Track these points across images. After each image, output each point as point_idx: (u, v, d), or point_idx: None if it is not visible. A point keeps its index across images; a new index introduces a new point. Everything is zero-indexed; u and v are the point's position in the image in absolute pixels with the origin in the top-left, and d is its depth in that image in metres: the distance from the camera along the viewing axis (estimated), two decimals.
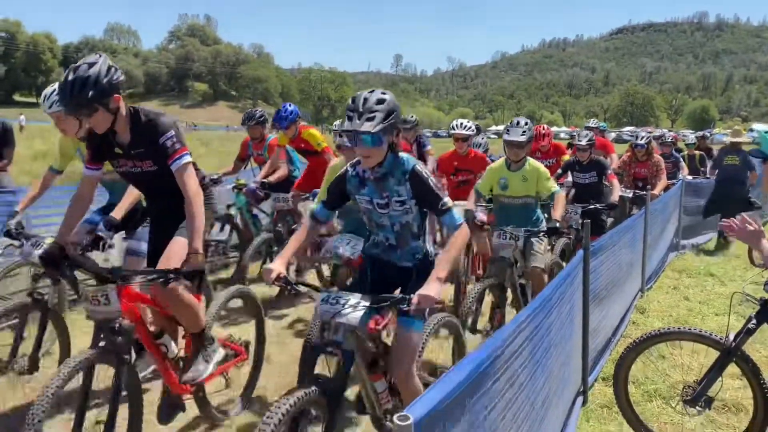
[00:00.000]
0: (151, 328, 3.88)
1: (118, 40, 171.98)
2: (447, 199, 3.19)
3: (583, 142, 7.98)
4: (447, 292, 7.14)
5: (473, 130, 7.16)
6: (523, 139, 5.63)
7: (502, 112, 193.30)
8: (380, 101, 3.11)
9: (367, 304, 2.97)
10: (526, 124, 5.72)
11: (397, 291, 3.39)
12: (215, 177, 7.79)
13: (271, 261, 7.46)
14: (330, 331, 2.99)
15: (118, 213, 4.68)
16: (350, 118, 3.11)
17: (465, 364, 1.94)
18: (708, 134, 16.31)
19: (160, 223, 4.01)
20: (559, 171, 8.18)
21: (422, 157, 9.26)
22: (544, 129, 8.87)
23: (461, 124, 7.15)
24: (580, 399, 4.49)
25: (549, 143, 8.80)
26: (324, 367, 3.23)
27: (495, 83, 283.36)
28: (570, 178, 8.18)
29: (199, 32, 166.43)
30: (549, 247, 5.88)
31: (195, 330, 3.85)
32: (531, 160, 5.84)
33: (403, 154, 3.29)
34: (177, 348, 4.02)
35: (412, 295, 2.89)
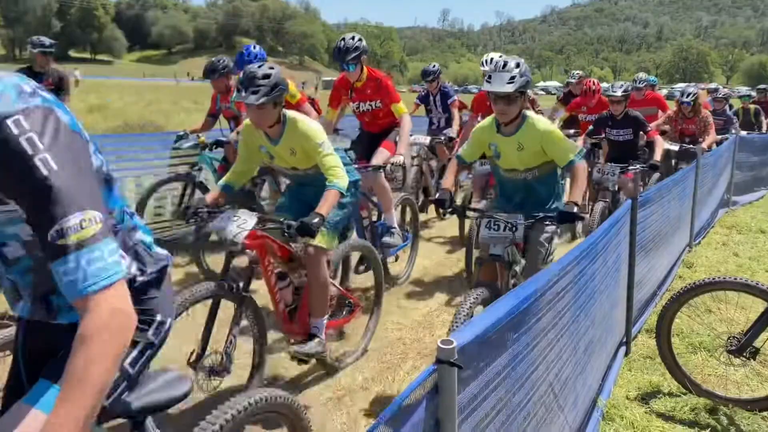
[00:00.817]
0: None
1: None
2: (72, 221, 1.34)
3: (618, 93, 7.01)
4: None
5: None
6: (509, 89, 3.84)
7: (550, 67, 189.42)
8: None
9: None
10: (518, 66, 3.89)
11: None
12: (181, 133, 6.83)
13: None
14: None
15: None
16: None
17: (508, 299, 1.98)
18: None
19: None
20: (590, 128, 7.53)
21: (447, 109, 8.71)
22: (594, 84, 8.47)
23: (491, 59, 6.34)
24: (623, 349, 4.51)
25: (598, 99, 8.40)
26: None
27: (544, 38, 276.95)
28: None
29: None
30: (559, 239, 4.39)
31: None
32: (531, 119, 4.10)
33: None
34: None
35: None
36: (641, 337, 4.91)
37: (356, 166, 5.48)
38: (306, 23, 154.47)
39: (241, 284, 3.55)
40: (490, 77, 3.89)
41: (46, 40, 7.36)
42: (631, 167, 6.98)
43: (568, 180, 4.31)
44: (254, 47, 6.34)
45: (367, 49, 5.63)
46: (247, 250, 3.60)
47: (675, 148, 8.73)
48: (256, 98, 3.58)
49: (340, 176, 3.79)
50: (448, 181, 4.41)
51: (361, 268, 5.62)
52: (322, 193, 3.76)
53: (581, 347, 3.03)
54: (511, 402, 2.00)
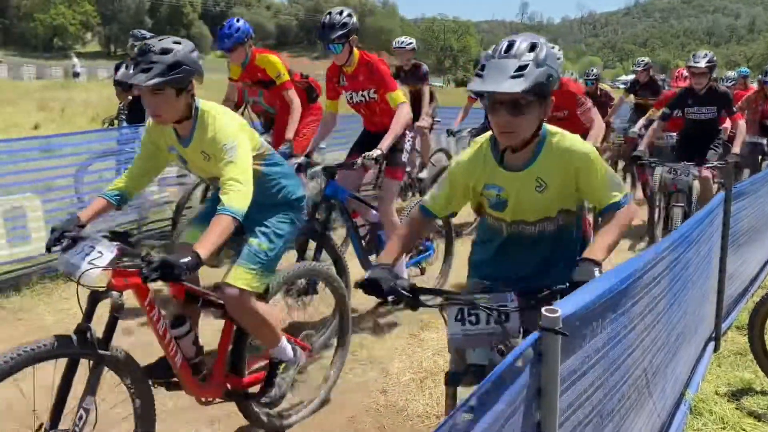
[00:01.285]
0: None
1: None
2: None
3: (701, 64, 6.06)
4: None
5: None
6: (513, 88, 2.16)
7: (632, 61, 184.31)
8: None
9: None
10: (532, 49, 2.24)
11: None
12: None
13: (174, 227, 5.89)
14: None
15: None
16: None
17: (606, 279, 1.99)
18: None
19: None
20: (666, 110, 6.41)
21: None
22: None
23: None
24: (711, 344, 4.41)
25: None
26: None
27: (627, 30, 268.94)
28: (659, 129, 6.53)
29: None
30: None
31: None
32: (553, 133, 2.41)
33: None
34: None
35: None
36: (730, 333, 4.78)
37: (335, 164, 4.85)
38: (384, 19, 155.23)
39: (98, 337, 2.60)
40: (482, 68, 2.27)
41: (147, 33, 7.76)
42: (709, 164, 6.12)
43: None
44: (237, 20, 5.45)
45: (357, 27, 4.71)
46: (113, 292, 2.63)
47: (764, 141, 8.21)
48: (146, 77, 2.71)
49: (235, 197, 2.76)
50: (393, 246, 2.59)
51: (307, 298, 4.33)
52: (262, 206, 2.97)
53: (673, 336, 3.00)
54: (608, 381, 2.01)
